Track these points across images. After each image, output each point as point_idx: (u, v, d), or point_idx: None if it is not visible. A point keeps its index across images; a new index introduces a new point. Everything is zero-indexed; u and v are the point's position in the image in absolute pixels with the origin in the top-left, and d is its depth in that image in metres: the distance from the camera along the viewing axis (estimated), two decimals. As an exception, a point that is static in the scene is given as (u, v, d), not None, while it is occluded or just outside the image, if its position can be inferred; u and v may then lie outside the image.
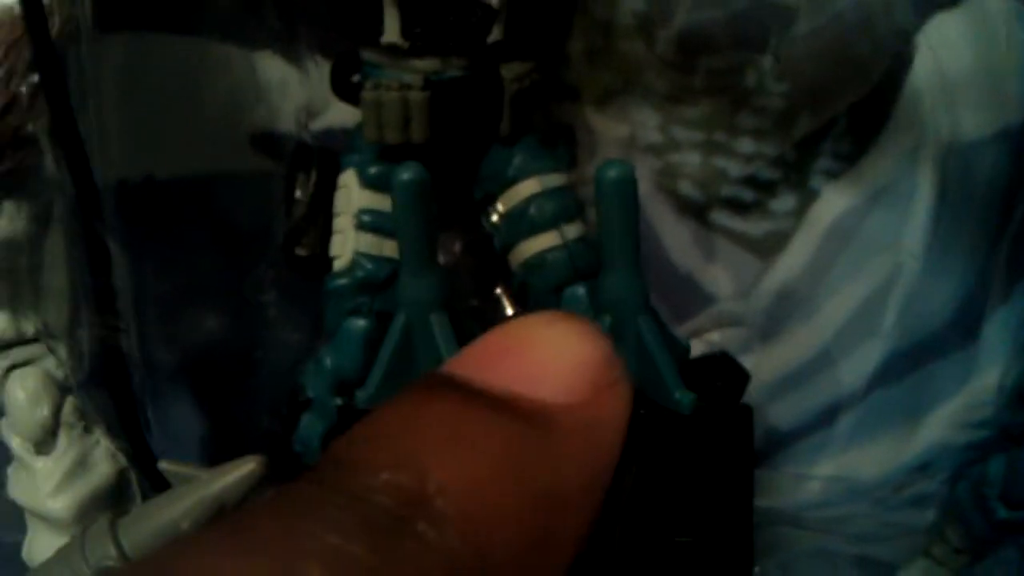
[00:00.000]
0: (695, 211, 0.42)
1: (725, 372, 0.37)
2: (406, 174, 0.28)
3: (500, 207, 0.35)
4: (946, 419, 0.39)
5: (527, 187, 0.35)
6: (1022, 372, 0.37)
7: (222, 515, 0.29)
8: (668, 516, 0.30)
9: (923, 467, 0.39)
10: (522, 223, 0.35)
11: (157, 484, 0.32)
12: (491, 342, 0.21)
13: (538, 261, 0.34)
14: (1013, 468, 0.35)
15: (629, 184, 0.28)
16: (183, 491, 0.30)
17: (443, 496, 0.17)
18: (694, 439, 0.29)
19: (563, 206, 0.35)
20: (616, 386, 0.22)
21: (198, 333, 0.38)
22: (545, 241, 0.34)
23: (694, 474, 0.30)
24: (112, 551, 0.29)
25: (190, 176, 0.37)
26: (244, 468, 0.30)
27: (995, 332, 0.41)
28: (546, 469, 0.19)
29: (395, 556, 0.16)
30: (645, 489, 0.29)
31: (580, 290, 0.34)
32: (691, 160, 0.41)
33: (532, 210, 0.34)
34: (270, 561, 0.15)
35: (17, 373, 0.33)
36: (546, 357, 0.21)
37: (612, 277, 0.29)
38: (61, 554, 0.30)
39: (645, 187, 0.41)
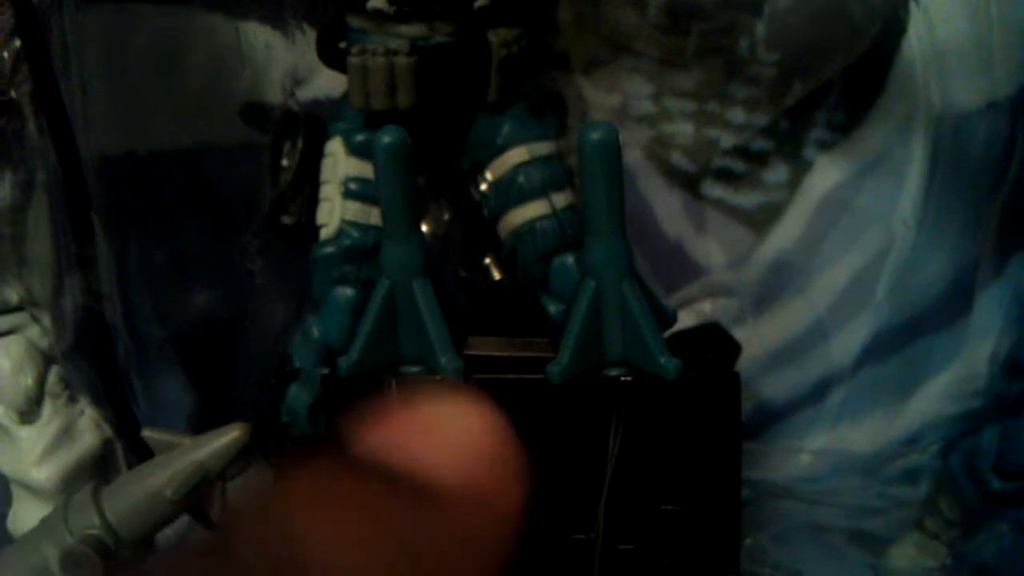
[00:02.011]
0: (687, 182, 0.41)
1: (716, 343, 0.37)
2: (387, 137, 0.28)
3: (489, 176, 0.35)
4: (938, 392, 0.39)
5: (515, 155, 0.34)
6: (1015, 342, 0.36)
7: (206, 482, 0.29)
8: (655, 484, 0.29)
9: (915, 439, 0.39)
10: (511, 192, 0.34)
11: (142, 453, 0.32)
12: (391, 414, 0.22)
13: (528, 229, 0.34)
14: (1006, 439, 0.35)
15: (612, 146, 0.28)
16: (167, 459, 0.30)
17: (317, 551, 0.18)
18: (681, 407, 0.29)
19: (552, 174, 0.34)
20: (510, 466, 0.23)
21: (184, 304, 0.38)
22: (534, 209, 0.34)
23: (681, 442, 0.29)
24: (95, 520, 0.29)
25: (175, 146, 0.37)
26: (228, 435, 0.29)
27: (988, 306, 0.40)
28: (429, 536, 0.20)
29: None
30: (631, 457, 0.29)
31: (569, 259, 0.34)
32: (684, 130, 0.41)
33: (521, 178, 0.34)
34: None
35: (1, 342, 0.33)
36: (442, 434, 0.22)
37: (596, 242, 0.29)
38: (44, 523, 0.30)
39: (637, 158, 0.41)
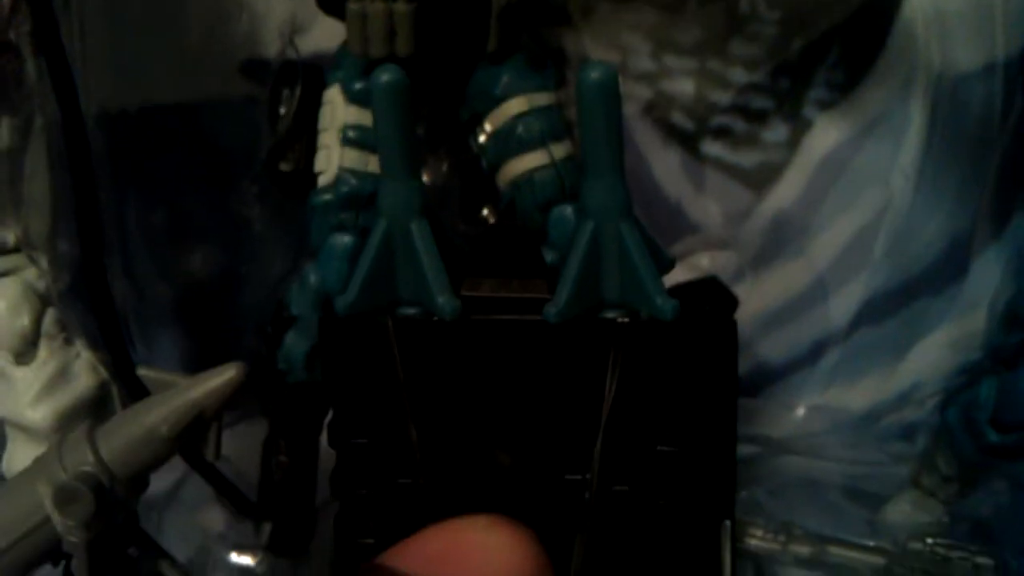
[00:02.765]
0: (686, 141, 0.41)
1: (714, 296, 0.37)
2: (385, 75, 0.28)
3: (487, 126, 0.35)
4: (936, 346, 0.39)
5: (514, 105, 0.34)
6: (1013, 295, 0.36)
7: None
8: (651, 425, 0.29)
9: (913, 394, 0.39)
10: (509, 142, 0.34)
11: (137, 396, 0.32)
12: (432, 538, 0.22)
13: (526, 180, 0.34)
14: (1004, 391, 0.35)
15: (611, 85, 0.27)
16: (162, 397, 0.29)
17: None
18: (677, 349, 0.29)
19: (551, 125, 0.34)
20: None
21: (182, 254, 0.38)
22: (533, 160, 0.34)
23: (677, 384, 0.29)
24: (89, 457, 0.29)
25: (174, 98, 0.37)
26: (224, 374, 0.29)
27: (985, 265, 0.40)
28: None
29: None
30: (627, 398, 0.29)
31: (567, 209, 0.34)
32: (683, 88, 0.41)
33: (520, 129, 0.34)
34: None
35: (-2, 283, 0.33)
36: (481, 560, 0.22)
37: (595, 182, 0.29)
38: (38, 462, 0.30)
39: (636, 116, 0.41)
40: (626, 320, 0.29)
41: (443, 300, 0.29)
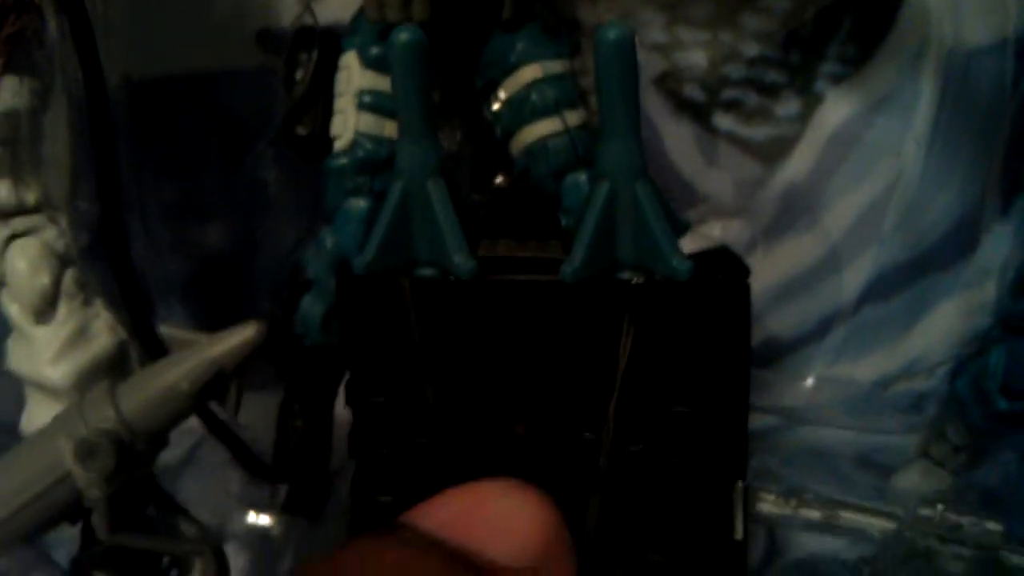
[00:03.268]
0: (698, 113, 0.42)
1: (725, 265, 0.37)
2: (404, 34, 0.28)
3: (502, 94, 0.35)
4: (945, 319, 0.39)
5: (529, 72, 0.35)
6: (1023, 263, 0.36)
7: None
8: (665, 386, 0.30)
9: (923, 363, 0.39)
10: (524, 109, 0.34)
11: (155, 355, 0.32)
12: (452, 501, 0.23)
13: (540, 147, 0.34)
14: (1014, 358, 0.35)
15: (629, 45, 0.28)
16: (182, 355, 0.30)
17: None
18: (692, 310, 0.29)
19: (565, 92, 0.35)
20: (562, 559, 0.23)
21: (198, 219, 0.38)
22: (547, 127, 0.34)
23: (691, 345, 0.30)
24: (111, 413, 0.29)
25: (193, 67, 0.37)
26: (243, 333, 0.30)
27: (995, 239, 0.40)
28: None
29: None
30: (642, 358, 0.29)
31: (581, 176, 0.34)
32: (696, 61, 0.41)
33: (534, 96, 0.34)
34: None
35: (18, 243, 0.33)
36: (500, 523, 0.23)
37: (611, 143, 0.29)
38: (59, 418, 0.30)
39: (649, 88, 0.41)
40: (641, 281, 0.29)
41: (459, 259, 0.29)
